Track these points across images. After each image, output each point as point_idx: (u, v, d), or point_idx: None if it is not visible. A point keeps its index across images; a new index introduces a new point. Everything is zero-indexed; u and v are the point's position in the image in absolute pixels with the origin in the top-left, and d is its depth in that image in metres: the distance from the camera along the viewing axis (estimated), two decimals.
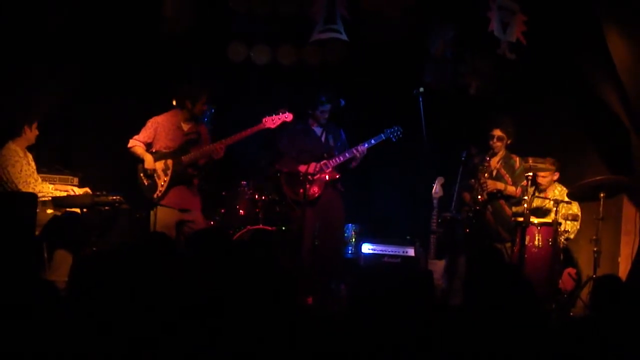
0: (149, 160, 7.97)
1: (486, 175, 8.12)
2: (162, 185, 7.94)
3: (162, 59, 9.36)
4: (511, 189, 8.19)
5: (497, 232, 8.21)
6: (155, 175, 7.96)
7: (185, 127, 8.17)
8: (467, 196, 8.38)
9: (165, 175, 7.95)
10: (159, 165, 7.98)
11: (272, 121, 8.15)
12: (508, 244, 8.23)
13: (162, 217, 7.94)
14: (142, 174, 7.99)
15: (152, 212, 8.02)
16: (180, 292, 3.95)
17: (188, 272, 4.37)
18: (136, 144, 8.06)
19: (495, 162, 8.31)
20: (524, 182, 8.12)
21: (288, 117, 8.21)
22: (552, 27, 8.47)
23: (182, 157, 7.98)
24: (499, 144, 8.25)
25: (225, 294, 3.79)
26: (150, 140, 8.09)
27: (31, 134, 7.91)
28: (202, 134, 8.25)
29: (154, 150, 8.06)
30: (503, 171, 8.28)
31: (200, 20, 9.01)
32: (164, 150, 8.05)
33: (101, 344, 3.22)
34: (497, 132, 8.24)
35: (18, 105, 8.17)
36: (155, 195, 7.95)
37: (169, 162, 7.98)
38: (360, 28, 8.78)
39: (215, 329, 3.46)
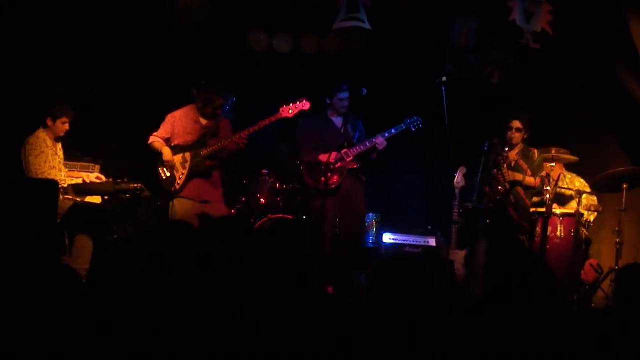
0: (166, 153, 8.02)
1: (505, 166, 8.07)
2: (180, 178, 7.98)
3: (183, 47, 9.37)
4: (530, 180, 8.13)
5: (517, 222, 8.16)
6: (174, 168, 7.98)
7: (204, 121, 8.19)
8: (487, 189, 8.36)
9: (184, 168, 7.98)
10: (178, 158, 8.03)
11: (289, 111, 8.12)
12: (524, 236, 8.17)
13: (181, 209, 7.97)
14: (160, 168, 8.03)
15: (171, 204, 8.06)
16: (200, 280, 3.95)
17: (208, 260, 4.38)
18: (155, 140, 8.12)
19: (514, 154, 8.25)
20: (543, 173, 8.11)
21: (305, 105, 8.18)
22: (575, 17, 8.42)
23: (201, 150, 8.00)
24: (517, 135, 8.18)
25: (246, 282, 3.79)
26: (169, 136, 8.14)
27: (56, 128, 7.94)
28: (222, 127, 8.25)
29: (173, 145, 8.10)
30: (522, 162, 8.21)
31: (222, 8, 9.01)
32: (183, 144, 8.08)
33: (122, 331, 3.23)
34: (516, 124, 8.17)
35: (36, 95, 8.23)
36: (173, 188, 8.00)
37: (187, 155, 8.02)
38: (382, 17, 8.75)
39: (235, 316, 3.46)
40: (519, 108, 8.54)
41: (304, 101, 8.18)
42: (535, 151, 8.25)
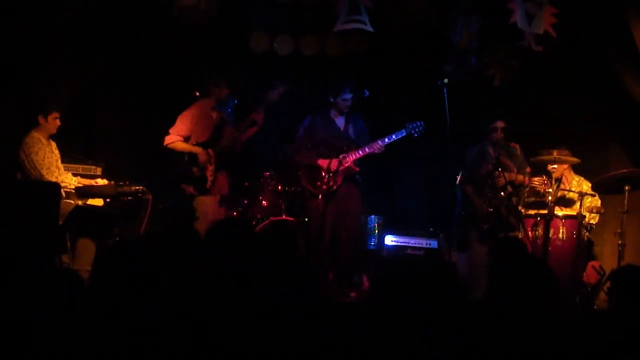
0: (202, 153, 8.10)
1: (500, 169, 8.11)
2: (210, 175, 8.09)
3: (184, 49, 9.38)
4: (520, 177, 8.20)
5: (508, 221, 8.17)
6: (205, 168, 8.07)
7: (214, 114, 8.30)
8: (469, 189, 8.38)
9: (210, 164, 8.03)
10: None
11: (277, 95, 8.32)
12: (517, 233, 8.18)
13: (211, 206, 8.13)
14: (195, 168, 8.09)
15: (199, 200, 8.13)
16: (201, 282, 3.95)
17: (209, 262, 4.37)
18: (176, 139, 8.14)
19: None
20: (528, 169, 8.14)
21: (286, 87, 8.41)
22: (578, 19, 8.40)
23: (220, 143, 8.12)
24: (502, 134, 8.28)
25: (248, 283, 3.79)
26: (189, 134, 8.18)
27: (48, 124, 7.94)
28: (224, 118, 8.36)
29: (195, 143, 8.16)
30: (506, 161, 8.26)
31: (223, 10, 8.99)
32: (203, 141, 8.16)
33: (122, 333, 3.23)
34: (501, 124, 8.28)
35: (37, 96, 8.23)
36: (207, 186, 8.09)
37: (210, 151, 8.12)
38: (384, 18, 8.73)
39: (237, 317, 3.46)
40: (502, 107, 8.64)
41: (282, 85, 8.39)
42: (517, 146, 8.34)
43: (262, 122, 8.32)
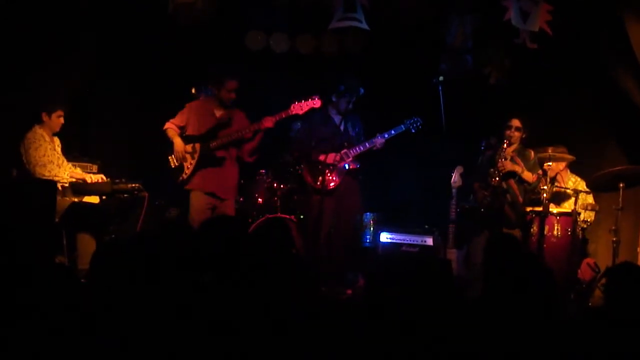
0: (177, 143, 8.06)
1: (501, 159, 8.12)
2: (187, 168, 8.05)
3: (182, 47, 9.37)
4: (527, 174, 8.17)
5: (507, 216, 8.18)
6: (183, 158, 8.04)
7: (218, 113, 8.22)
8: (477, 185, 8.39)
9: (192, 158, 8.01)
10: (187, 148, 8.08)
11: (300, 107, 8.14)
12: (516, 230, 8.19)
13: (195, 201, 8.09)
14: (170, 157, 8.07)
15: (190, 196, 8.11)
16: (197, 281, 3.96)
17: (205, 260, 4.38)
18: (170, 127, 8.16)
19: (510, 150, 8.29)
20: (540, 172, 8.12)
21: (316, 103, 8.21)
22: (573, 17, 8.41)
23: (210, 142, 8.04)
24: (516, 134, 8.24)
25: (243, 281, 3.79)
26: (184, 124, 8.16)
27: (52, 122, 7.93)
28: (236, 119, 8.28)
29: (185, 135, 8.15)
30: (517, 159, 8.26)
31: (219, 8, 8.99)
32: (195, 135, 8.12)
33: (119, 329, 3.24)
34: (516, 122, 8.24)
35: (36, 92, 8.23)
36: (181, 178, 8.06)
37: (197, 145, 8.06)
38: (380, 16, 8.73)
39: (234, 316, 3.46)
40: (519, 107, 8.58)
41: (316, 99, 8.21)
42: (532, 152, 8.28)
43: (270, 128, 8.12)
